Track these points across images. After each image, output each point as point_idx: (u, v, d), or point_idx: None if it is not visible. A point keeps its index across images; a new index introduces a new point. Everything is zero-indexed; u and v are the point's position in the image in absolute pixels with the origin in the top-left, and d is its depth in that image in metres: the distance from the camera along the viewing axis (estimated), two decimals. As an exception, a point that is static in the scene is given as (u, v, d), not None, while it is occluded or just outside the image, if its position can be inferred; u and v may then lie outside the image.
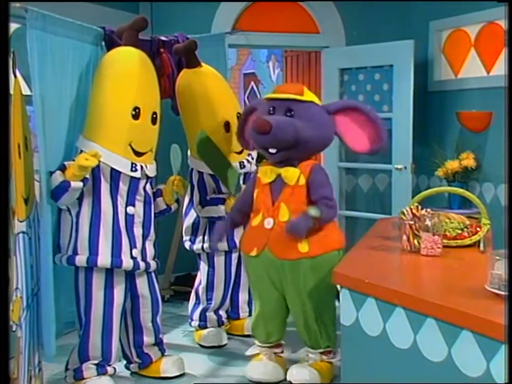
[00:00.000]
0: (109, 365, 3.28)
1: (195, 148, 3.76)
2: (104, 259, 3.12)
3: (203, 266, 4.05)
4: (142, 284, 3.34)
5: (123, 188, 3.18)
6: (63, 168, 3.03)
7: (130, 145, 3.15)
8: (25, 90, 2.93)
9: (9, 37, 2.32)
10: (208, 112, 3.75)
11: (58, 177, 2.99)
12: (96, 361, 3.23)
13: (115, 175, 3.15)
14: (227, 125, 3.80)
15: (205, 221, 3.96)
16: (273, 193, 3.19)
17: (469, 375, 1.89)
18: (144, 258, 3.28)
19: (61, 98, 3.15)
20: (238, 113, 3.87)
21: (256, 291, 3.46)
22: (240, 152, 3.86)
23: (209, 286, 4.01)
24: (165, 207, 3.50)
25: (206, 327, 4.04)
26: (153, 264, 3.37)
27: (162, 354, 3.51)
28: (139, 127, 3.18)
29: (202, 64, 3.84)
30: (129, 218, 3.22)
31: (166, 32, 4.04)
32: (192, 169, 3.93)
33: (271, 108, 3.18)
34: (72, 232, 3.14)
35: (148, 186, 3.33)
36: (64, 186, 2.98)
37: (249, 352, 3.51)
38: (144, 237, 3.30)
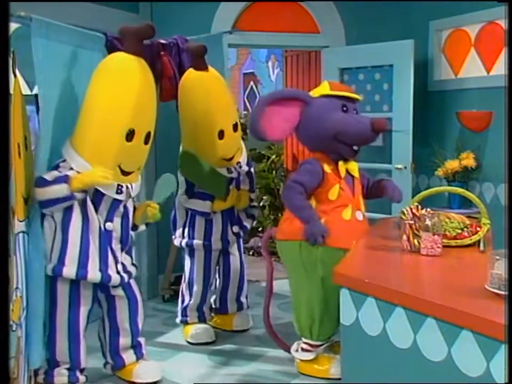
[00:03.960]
0: (82, 371, 3.23)
1: (179, 165, 3.82)
2: (93, 273, 3.06)
3: (186, 262, 4.11)
4: (115, 287, 3.27)
5: (104, 206, 3.12)
6: (67, 181, 2.94)
7: (119, 166, 3.06)
8: (25, 90, 2.93)
9: (9, 36, 2.32)
10: (205, 118, 3.77)
11: (65, 191, 2.92)
12: (66, 366, 3.18)
13: (98, 194, 3.08)
14: (221, 133, 3.81)
15: (182, 214, 4.00)
16: (349, 187, 3.36)
17: (469, 375, 1.88)
18: (125, 270, 3.25)
19: (64, 104, 3.13)
20: (235, 122, 3.90)
21: (324, 285, 3.27)
22: (230, 159, 3.90)
23: (190, 282, 4.06)
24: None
25: (187, 322, 4.07)
26: (133, 271, 3.33)
27: (138, 358, 3.41)
28: (131, 149, 3.06)
29: (209, 68, 3.81)
30: (108, 234, 3.15)
31: (166, 32, 4.04)
32: None
33: (344, 106, 3.32)
34: (56, 240, 3.04)
35: (129, 201, 3.25)
36: (67, 198, 2.95)
37: (307, 357, 3.44)
38: (121, 250, 3.26)
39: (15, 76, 2.68)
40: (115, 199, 3.13)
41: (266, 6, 5.14)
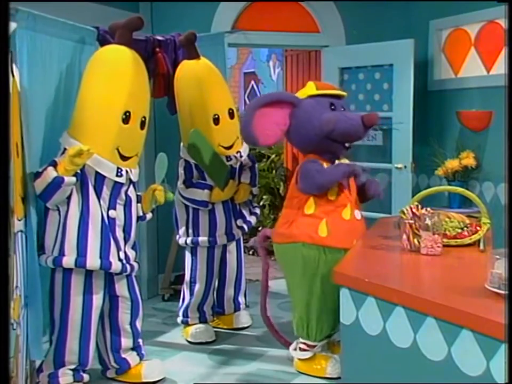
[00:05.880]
0: (84, 371, 3.23)
1: (187, 148, 3.83)
2: (93, 261, 3.06)
3: (187, 261, 4.09)
4: (120, 285, 3.28)
5: (106, 191, 3.14)
6: (54, 165, 2.98)
7: (117, 149, 3.11)
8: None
9: (9, 36, 2.31)
10: (199, 104, 3.83)
11: (51, 173, 2.93)
12: (72, 367, 3.17)
13: (99, 178, 3.11)
14: (216, 119, 3.85)
15: (183, 213, 3.99)
16: (345, 185, 3.34)
17: (469, 374, 1.88)
18: (128, 261, 3.25)
19: (52, 98, 3.14)
20: (230, 109, 3.93)
21: (324, 286, 3.27)
22: (229, 148, 3.92)
23: (192, 280, 4.05)
24: (141, 214, 3.42)
25: (188, 323, 4.07)
26: (136, 266, 3.34)
27: (141, 359, 3.43)
28: (128, 132, 3.13)
29: (201, 57, 3.90)
30: (111, 222, 3.17)
31: (166, 32, 4.05)
32: (181, 158, 3.98)
33: (332, 104, 3.33)
34: (59, 233, 3.07)
35: (131, 189, 3.29)
36: (57, 182, 2.93)
37: (304, 356, 3.44)
38: (125, 240, 3.26)
39: (13, 75, 2.68)
40: (116, 183, 3.15)
41: (266, 5, 5.13)
